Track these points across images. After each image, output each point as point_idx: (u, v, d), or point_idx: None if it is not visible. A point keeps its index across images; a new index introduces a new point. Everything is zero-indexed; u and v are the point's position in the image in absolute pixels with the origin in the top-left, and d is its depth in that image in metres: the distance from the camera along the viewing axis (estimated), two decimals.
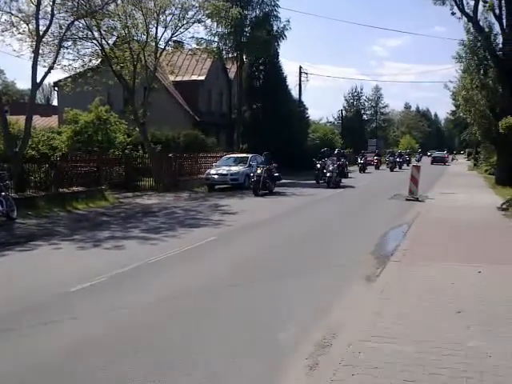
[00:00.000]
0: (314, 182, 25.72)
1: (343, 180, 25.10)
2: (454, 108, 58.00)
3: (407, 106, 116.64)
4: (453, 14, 21.35)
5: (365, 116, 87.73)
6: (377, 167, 42.44)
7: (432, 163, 55.49)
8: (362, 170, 37.20)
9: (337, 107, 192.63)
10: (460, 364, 4.08)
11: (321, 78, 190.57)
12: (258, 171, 19.82)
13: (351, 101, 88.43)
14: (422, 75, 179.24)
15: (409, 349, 4.40)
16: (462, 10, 19.98)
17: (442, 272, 7.08)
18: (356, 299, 6.14)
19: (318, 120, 63.99)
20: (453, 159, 73.14)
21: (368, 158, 41.89)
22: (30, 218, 13.23)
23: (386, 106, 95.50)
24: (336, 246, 9.84)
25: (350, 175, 29.71)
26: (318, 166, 25.75)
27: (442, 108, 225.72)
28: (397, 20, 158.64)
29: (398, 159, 43.91)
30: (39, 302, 6.11)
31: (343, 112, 72.32)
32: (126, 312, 5.83)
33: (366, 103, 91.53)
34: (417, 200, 16.79)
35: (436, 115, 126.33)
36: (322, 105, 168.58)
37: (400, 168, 42.64)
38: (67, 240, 10.34)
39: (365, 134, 77.28)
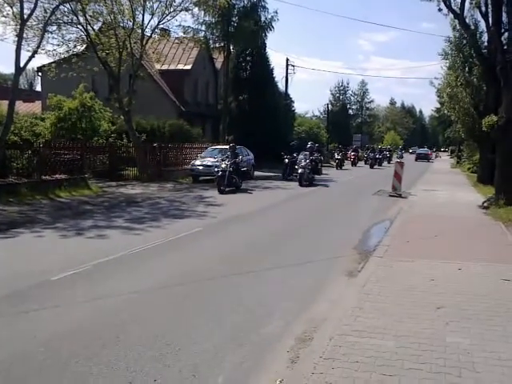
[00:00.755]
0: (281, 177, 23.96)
1: (316, 177, 23.16)
2: (438, 105, 58.73)
3: (392, 102, 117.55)
4: (439, 10, 21.41)
5: (350, 111, 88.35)
6: (354, 163, 40.16)
7: (416, 160, 57.09)
8: (339, 166, 35.45)
9: (323, 101, 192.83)
10: (439, 359, 4.16)
11: (307, 71, 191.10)
12: (223, 165, 18.01)
13: (337, 95, 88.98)
14: (407, 71, 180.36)
15: (389, 343, 4.47)
16: (449, 7, 20.04)
17: (423, 268, 7.18)
18: (337, 294, 6.20)
19: (304, 113, 64.26)
20: (436, 156, 74.01)
21: (350, 154, 41.12)
22: (11, 205, 13.07)
23: (372, 101, 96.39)
24: (319, 241, 9.90)
25: (324, 172, 27.91)
26: (286, 160, 23.96)
27: (427, 105, 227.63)
28: (384, 15, 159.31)
29: (378, 156, 42.10)
30: (20, 290, 6.06)
31: (329, 106, 72.48)
32: (109, 301, 5.81)
33: (352, 98, 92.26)
34: (400, 196, 16.97)
35: (421, 112, 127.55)
36: (308, 98, 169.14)
37: (380, 165, 41.20)
38: (50, 228, 10.25)
39: (350, 128, 77.86)
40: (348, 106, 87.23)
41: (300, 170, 21.08)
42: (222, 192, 17.26)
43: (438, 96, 44.53)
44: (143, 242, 8.90)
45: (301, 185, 20.50)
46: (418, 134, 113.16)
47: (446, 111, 35.37)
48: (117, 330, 4.93)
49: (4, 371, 4.08)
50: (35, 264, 7.38)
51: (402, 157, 47.06)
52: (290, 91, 41.20)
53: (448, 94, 24.58)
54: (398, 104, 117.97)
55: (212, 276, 6.94)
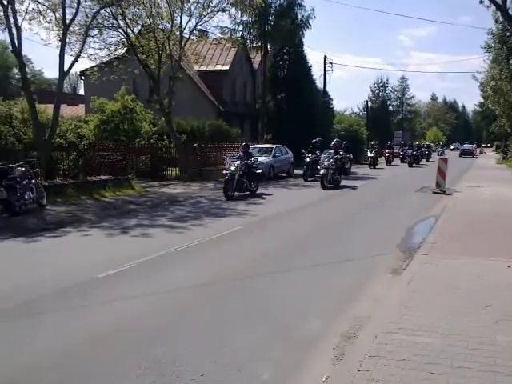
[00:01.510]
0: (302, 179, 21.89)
1: (344, 179, 20.42)
2: (482, 99, 57.20)
3: (434, 98, 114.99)
4: (481, 2, 20.83)
5: (391, 107, 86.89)
6: (388, 162, 37.61)
7: (460, 155, 56.52)
8: (372, 165, 33.12)
9: (362, 98, 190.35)
10: (488, 358, 4.05)
11: (345, 68, 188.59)
12: (232, 168, 15.64)
13: (377, 91, 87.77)
14: (448, 65, 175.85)
15: (436, 342, 4.39)
16: None
17: (469, 266, 7.00)
18: (382, 292, 6.12)
19: (343, 111, 63.56)
20: (481, 152, 72.07)
21: (385, 151, 38.88)
22: (59, 205, 13.52)
23: (413, 97, 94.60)
24: (361, 237, 9.80)
25: (354, 171, 26.33)
26: (307, 159, 21.89)
27: (470, 99, 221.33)
28: (423, 9, 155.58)
29: (416, 153, 39.08)
30: (69, 286, 6.26)
31: (368, 103, 71.57)
32: (154, 297, 5.93)
33: (392, 94, 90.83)
34: (444, 193, 16.59)
35: (463, 107, 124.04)
36: (347, 95, 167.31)
37: (418, 163, 38.05)
38: (96, 227, 10.56)
39: (391, 125, 76.55)
40: (388, 103, 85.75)
41: (322, 171, 18.58)
42: (228, 198, 15.06)
43: (482, 90, 43.35)
44: (186, 240, 9.04)
45: (323, 187, 18.13)
46: (461, 130, 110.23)
47: (490, 105, 34.37)
48: (163, 326, 5.03)
49: (56, 364, 4.22)
50: (83, 262, 7.62)
51: (443, 153, 44.91)
52: (328, 89, 41.14)
53: (492, 87, 23.93)
54: (440, 99, 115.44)
55: (254, 274, 6.98)
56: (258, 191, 16.72)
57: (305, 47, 36.13)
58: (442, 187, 17.14)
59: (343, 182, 19.69)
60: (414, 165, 35.86)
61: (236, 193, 15.53)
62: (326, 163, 18.77)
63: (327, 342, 4.70)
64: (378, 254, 8.21)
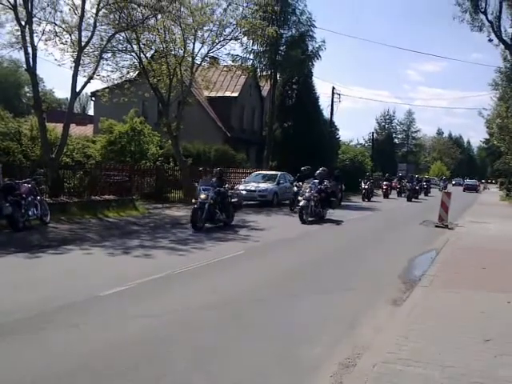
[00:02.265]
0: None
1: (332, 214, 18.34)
2: (487, 136, 57.62)
3: (440, 132, 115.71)
4: (490, 40, 21.29)
5: (396, 140, 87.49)
6: (386, 195, 34.99)
7: (464, 190, 56.66)
8: (366, 197, 30.84)
9: (367, 129, 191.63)
10: None
11: (352, 100, 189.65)
12: (202, 196, 13.78)
13: (383, 124, 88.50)
14: (456, 101, 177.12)
15: (435, 373, 4.37)
16: (500, 38, 19.88)
17: (470, 300, 6.99)
18: (382, 322, 6.11)
19: (349, 141, 63.82)
20: (484, 188, 72.09)
21: (382, 184, 36.56)
22: (62, 223, 13.58)
23: (418, 130, 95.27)
24: (364, 267, 9.79)
25: (347, 204, 25.13)
26: (295, 189, 19.90)
27: (476, 136, 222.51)
28: (433, 45, 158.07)
29: (416, 186, 36.16)
30: (71, 304, 6.27)
31: (374, 134, 72.06)
32: (154, 318, 5.93)
33: (398, 127, 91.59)
34: (446, 227, 16.58)
35: (469, 142, 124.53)
36: (353, 126, 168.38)
37: (417, 198, 35.21)
38: (98, 246, 10.59)
39: (395, 157, 76.92)
40: (394, 135, 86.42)
41: (302, 203, 16.46)
42: (196, 229, 13.25)
43: (487, 127, 43.67)
44: (187, 262, 9.06)
45: (302, 221, 15.99)
46: (466, 165, 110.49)
47: (495, 142, 34.51)
48: (164, 346, 5.03)
49: (58, 381, 4.22)
50: (85, 280, 7.63)
51: (445, 188, 40.96)
52: (335, 119, 41.31)
53: (498, 124, 24.15)
54: (446, 134, 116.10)
55: (254, 299, 6.98)
56: (234, 221, 15.15)
57: (314, 77, 36.63)
58: (445, 221, 17.14)
59: (329, 216, 17.86)
60: (412, 199, 33.52)
61: (208, 224, 13.88)
62: (307, 194, 16.71)
63: (325, 369, 4.69)
64: (379, 284, 8.21)
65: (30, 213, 12.42)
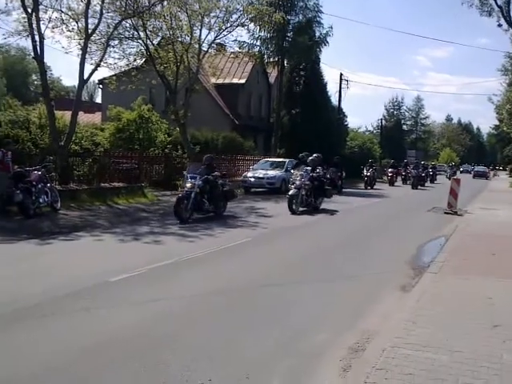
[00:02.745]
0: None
1: (328, 202, 17.24)
2: (497, 122, 57.12)
3: (449, 119, 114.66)
4: (499, 25, 20.99)
5: (405, 126, 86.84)
6: (391, 183, 33.85)
7: (474, 177, 56.45)
8: (369, 184, 29.56)
9: (376, 116, 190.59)
10: (495, 376, 4.06)
11: (360, 86, 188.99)
12: (188, 185, 12.93)
13: (391, 110, 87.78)
14: (465, 87, 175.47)
15: (443, 358, 4.40)
16: (509, 22, 19.59)
17: (479, 286, 6.99)
18: (390, 307, 6.14)
19: (357, 128, 63.58)
20: (494, 175, 71.60)
21: (387, 170, 35.52)
22: (72, 210, 13.71)
23: (427, 117, 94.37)
24: (372, 254, 9.81)
25: (350, 191, 24.05)
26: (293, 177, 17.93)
27: (485, 122, 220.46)
28: (442, 30, 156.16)
29: (422, 173, 34.62)
30: (82, 289, 6.35)
31: (383, 121, 71.59)
32: (163, 303, 6.02)
33: (407, 113, 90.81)
34: (455, 214, 16.53)
35: (478, 129, 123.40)
36: (361, 113, 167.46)
37: (423, 185, 33.78)
38: (108, 232, 10.71)
39: (404, 144, 76.42)
40: (402, 122, 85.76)
41: (291, 191, 15.26)
42: (182, 220, 12.20)
43: (497, 113, 43.24)
44: (196, 249, 9.14)
45: (292, 211, 14.93)
46: (475, 152, 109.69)
47: (505, 128, 34.17)
48: (172, 331, 5.10)
49: (67, 364, 4.30)
50: (95, 265, 7.73)
51: (454, 175, 39.73)
52: (343, 106, 40.92)
53: (508, 110, 23.90)
54: (455, 121, 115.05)
55: (261, 285, 7.04)
56: (226, 211, 14.33)
57: (321, 64, 36.41)
58: (454, 208, 17.09)
59: (324, 205, 16.84)
60: (418, 187, 31.95)
61: (196, 215, 13.10)
62: (297, 182, 15.48)
63: (334, 354, 4.73)
64: (388, 271, 8.23)
65: (41, 200, 12.55)
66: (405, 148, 72.77)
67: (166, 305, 5.98)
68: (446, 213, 16.85)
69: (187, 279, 7.18)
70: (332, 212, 16.21)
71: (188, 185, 12.94)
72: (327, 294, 6.76)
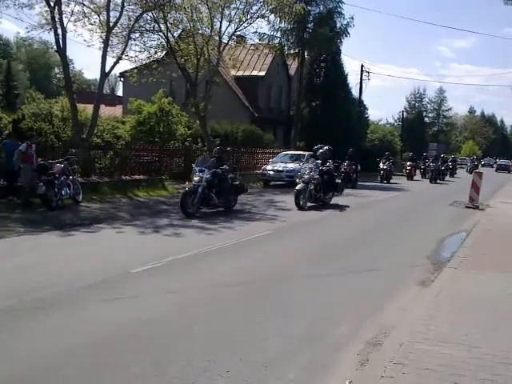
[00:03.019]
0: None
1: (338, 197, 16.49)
2: None
3: (472, 111, 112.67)
4: None
5: (426, 119, 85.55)
6: (409, 176, 32.69)
7: (496, 170, 55.85)
8: (385, 178, 28.67)
9: (397, 108, 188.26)
10: None
11: (381, 78, 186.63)
12: (196, 178, 12.57)
13: (413, 102, 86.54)
14: (489, 78, 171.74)
15: (461, 354, 4.39)
16: None
17: (499, 281, 6.93)
18: (409, 302, 6.13)
19: (378, 120, 62.99)
20: None
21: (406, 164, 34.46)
22: (94, 202, 13.93)
23: (450, 109, 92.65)
24: (391, 249, 9.78)
25: (366, 184, 23.34)
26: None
27: (509, 114, 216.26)
28: (465, 20, 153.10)
29: (441, 167, 33.34)
30: (104, 279, 6.48)
31: (404, 113, 70.68)
32: (183, 294, 6.12)
33: (429, 105, 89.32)
34: (477, 208, 16.33)
35: (502, 121, 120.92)
36: (382, 105, 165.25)
37: (443, 179, 32.81)
38: (129, 225, 10.86)
39: (426, 137, 75.38)
40: (424, 114, 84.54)
41: (299, 186, 14.66)
42: (188, 215, 11.89)
43: None
44: (216, 241, 9.22)
45: (299, 207, 14.35)
46: (499, 145, 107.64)
47: None
48: (192, 321, 5.19)
49: (91, 351, 4.41)
50: (117, 257, 7.88)
51: (475, 168, 37.61)
52: (363, 98, 40.63)
53: None
54: (478, 113, 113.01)
55: (280, 278, 7.08)
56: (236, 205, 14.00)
57: (342, 55, 36.12)
58: (476, 202, 16.87)
59: (337, 200, 16.18)
60: (437, 181, 30.96)
61: (205, 209, 12.78)
62: (306, 176, 14.85)
63: (352, 347, 4.76)
64: (408, 265, 8.20)
65: (63, 192, 12.77)
66: (426, 141, 71.77)
67: (186, 296, 6.07)
68: (467, 207, 16.66)
69: (207, 271, 7.25)
70: (344, 207, 15.54)
71: (196, 178, 12.56)
72: (346, 288, 6.77)
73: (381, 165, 29.31)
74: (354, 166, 23.89)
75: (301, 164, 22.15)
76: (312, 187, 14.72)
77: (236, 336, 4.85)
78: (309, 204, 14.74)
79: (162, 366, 4.13)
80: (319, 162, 15.54)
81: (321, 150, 16.62)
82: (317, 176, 14.88)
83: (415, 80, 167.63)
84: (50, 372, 4.04)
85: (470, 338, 4.75)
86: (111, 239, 9.49)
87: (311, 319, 5.45)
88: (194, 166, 13.43)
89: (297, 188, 14.67)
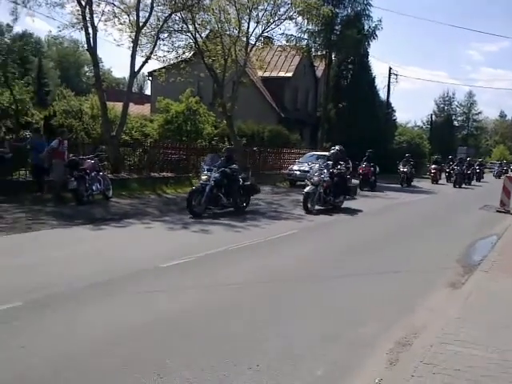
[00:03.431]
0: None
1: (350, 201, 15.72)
2: None
3: (502, 115, 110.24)
4: None
5: (456, 122, 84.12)
6: (434, 180, 31.45)
7: None
8: (405, 182, 27.21)
9: (425, 111, 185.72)
10: None
11: (409, 80, 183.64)
12: (203, 177, 12.23)
13: (442, 105, 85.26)
14: None
15: (493, 356, 4.33)
16: None
17: None
18: (440, 304, 6.07)
19: (406, 123, 62.28)
20: None
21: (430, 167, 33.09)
22: (123, 198, 14.17)
23: (480, 112, 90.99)
24: (421, 250, 9.68)
25: (384, 186, 22.69)
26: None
27: None
28: (495, 24, 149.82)
29: (466, 170, 31.84)
30: (134, 273, 6.60)
31: (433, 116, 69.74)
32: (211, 289, 6.19)
33: (458, 109, 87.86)
34: (508, 213, 16.03)
35: None
36: (410, 108, 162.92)
37: (469, 184, 31.67)
38: (158, 221, 11.02)
39: (455, 140, 74.13)
40: (453, 118, 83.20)
41: (307, 188, 13.83)
42: (194, 215, 11.51)
43: None
44: (243, 239, 9.28)
45: (306, 210, 13.46)
46: None
47: None
48: (220, 318, 5.22)
49: (122, 341, 4.49)
50: (146, 251, 7.99)
51: (505, 173, 34.94)
52: (391, 100, 40.20)
53: None
54: (509, 117, 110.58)
55: (306, 277, 7.09)
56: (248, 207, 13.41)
57: (370, 58, 35.85)
58: (507, 206, 16.57)
59: (347, 204, 15.21)
60: (462, 185, 29.65)
61: (216, 210, 12.37)
62: (315, 178, 14.00)
63: (381, 347, 4.74)
64: (438, 267, 8.12)
65: (94, 187, 13.03)
66: (456, 144, 70.67)
67: (214, 292, 6.12)
68: (498, 211, 16.38)
69: (235, 268, 7.31)
70: (357, 212, 14.61)
71: (203, 177, 12.18)
72: (376, 288, 6.73)
73: (401, 167, 27.93)
74: (372, 168, 23.22)
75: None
76: (321, 190, 13.90)
77: (264, 332, 4.87)
78: (317, 207, 13.87)
79: (191, 360, 4.17)
80: (330, 163, 14.81)
81: (332, 151, 15.75)
82: (327, 178, 14.12)
83: (444, 83, 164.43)
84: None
85: (501, 341, 4.69)
86: (140, 234, 9.64)
87: (338, 319, 5.42)
88: (202, 163, 13.08)
89: (305, 190, 13.81)
